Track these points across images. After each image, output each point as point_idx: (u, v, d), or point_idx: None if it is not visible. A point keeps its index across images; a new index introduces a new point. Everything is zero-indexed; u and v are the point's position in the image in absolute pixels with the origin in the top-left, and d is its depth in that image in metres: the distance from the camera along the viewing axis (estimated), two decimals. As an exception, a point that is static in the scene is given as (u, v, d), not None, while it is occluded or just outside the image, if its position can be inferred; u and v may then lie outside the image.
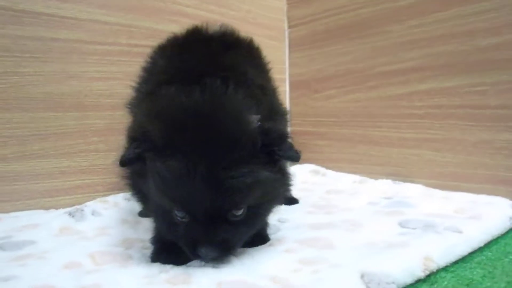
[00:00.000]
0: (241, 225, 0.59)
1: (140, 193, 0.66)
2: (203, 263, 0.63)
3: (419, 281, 0.56)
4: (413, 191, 0.99)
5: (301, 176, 1.24)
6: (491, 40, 0.90)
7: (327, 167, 1.26)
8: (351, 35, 1.18)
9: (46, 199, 0.96)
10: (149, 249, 0.68)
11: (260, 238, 0.72)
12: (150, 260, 0.65)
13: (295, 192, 1.03)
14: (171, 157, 0.53)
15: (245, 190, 0.55)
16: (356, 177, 1.16)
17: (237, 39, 0.80)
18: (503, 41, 0.89)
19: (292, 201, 0.99)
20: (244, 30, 1.28)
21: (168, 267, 0.62)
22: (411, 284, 0.55)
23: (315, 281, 0.55)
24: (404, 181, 1.05)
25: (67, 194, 0.99)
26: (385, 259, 0.59)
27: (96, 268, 0.63)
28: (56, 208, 0.95)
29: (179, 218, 0.58)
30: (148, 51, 1.07)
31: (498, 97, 0.90)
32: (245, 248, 0.68)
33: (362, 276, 0.54)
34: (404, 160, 1.08)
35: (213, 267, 0.62)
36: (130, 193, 0.69)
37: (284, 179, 0.67)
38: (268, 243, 0.71)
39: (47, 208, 0.95)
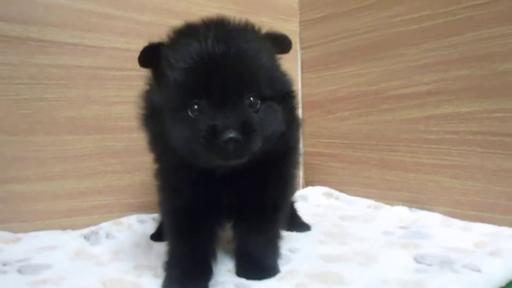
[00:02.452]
0: (258, 117, 0.58)
1: (154, 134, 0.65)
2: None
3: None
4: (431, 220, 0.91)
5: (314, 198, 1.18)
6: (510, 65, 0.83)
7: (341, 190, 1.19)
8: (364, 57, 1.12)
9: (64, 219, 0.94)
10: (160, 277, 0.65)
11: (270, 269, 0.67)
12: (161, 288, 0.62)
13: (307, 217, 0.98)
14: (184, 42, 0.57)
15: (254, 55, 0.57)
16: (371, 202, 1.08)
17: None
18: (523, 66, 0.82)
19: (304, 227, 0.92)
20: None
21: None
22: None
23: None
24: (421, 208, 0.97)
25: (85, 214, 0.97)
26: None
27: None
28: (73, 229, 0.93)
29: (195, 113, 0.56)
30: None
31: (518, 124, 0.83)
32: (255, 282, 0.64)
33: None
34: (421, 186, 1.00)
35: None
36: (146, 136, 0.67)
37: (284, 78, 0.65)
38: (278, 276, 0.66)
39: (64, 228, 0.93)
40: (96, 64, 0.98)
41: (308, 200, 1.18)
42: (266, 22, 1.26)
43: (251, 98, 0.57)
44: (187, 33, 0.60)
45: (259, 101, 0.58)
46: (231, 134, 0.53)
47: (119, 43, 1.00)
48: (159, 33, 1.08)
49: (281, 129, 0.62)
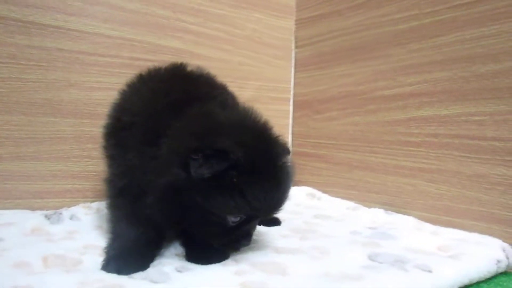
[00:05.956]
0: None
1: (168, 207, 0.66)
2: (136, 277, 0.62)
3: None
4: (403, 223, 0.93)
5: (296, 198, 1.20)
6: (490, 67, 0.84)
7: (324, 191, 1.22)
8: (354, 57, 1.15)
9: (36, 200, 0.99)
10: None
11: (217, 256, 0.70)
12: (100, 267, 0.65)
13: (284, 214, 0.99)
14: (257, 177, 0.63)
15: None
16: (351, 204, 1.11)
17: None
18: (502, 68, 0.82)
19: (273, 222, 0.94)
20: (250, 48, 1.30)
21: (106, 275, 0.61)
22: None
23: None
24: (398, 211, 0.99)
25: (56, 197, 1.01)
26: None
27: (43, 270, 0.63)
28: (43, 210, 0.97)
29: (231, 222, 0.65)
30: (148, 64, 1.09)
31: (495, 128, 0.83)
32: (198, 265, 0.67)
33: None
34: (399, 189, 1.01)
35: (150, 281, 0.60)
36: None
37: None
38: (223, 262, 0.69)
39: (34, 209, 0.97)
40: (78, 48, 1.03)
41: (290, 199, 1.19)
42: (261, 19, 1.32)
43: None
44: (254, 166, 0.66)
45: None
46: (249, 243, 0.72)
47: (103, 29, 1.05)
48: (144, 21, 1.13)
49: None
